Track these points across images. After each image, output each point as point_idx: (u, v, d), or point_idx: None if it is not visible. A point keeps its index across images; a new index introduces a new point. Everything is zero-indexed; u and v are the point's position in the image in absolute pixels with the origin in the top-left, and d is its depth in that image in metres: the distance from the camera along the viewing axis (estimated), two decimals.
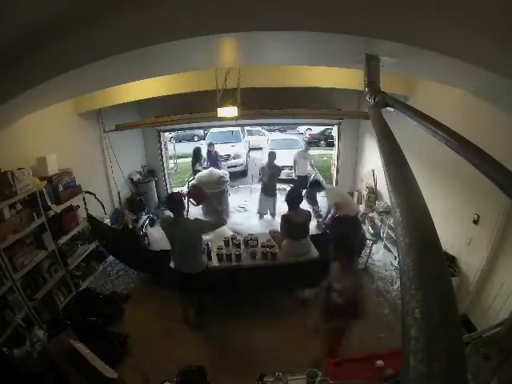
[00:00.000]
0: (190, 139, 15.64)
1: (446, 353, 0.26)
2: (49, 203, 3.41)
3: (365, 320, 3.22)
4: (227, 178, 6.15)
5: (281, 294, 3.73)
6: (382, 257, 4.72)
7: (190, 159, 12.21)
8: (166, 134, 7.71)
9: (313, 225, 5.84)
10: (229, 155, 9.80)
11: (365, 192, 5.96)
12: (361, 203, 6.20)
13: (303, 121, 8.45)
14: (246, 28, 1.58)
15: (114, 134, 5.31)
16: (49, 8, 1.53)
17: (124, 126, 5.18)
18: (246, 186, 8.72)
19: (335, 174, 7.33)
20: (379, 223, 5.12)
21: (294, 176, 7.04)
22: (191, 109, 5.43)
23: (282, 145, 10.85)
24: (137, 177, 6.48)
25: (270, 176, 5.97)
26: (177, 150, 11.82)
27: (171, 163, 9.63)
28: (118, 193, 5.62)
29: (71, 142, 4.40)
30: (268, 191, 6.03)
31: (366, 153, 6.52)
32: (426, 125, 0.84)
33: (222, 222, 3.13)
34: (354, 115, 5.93)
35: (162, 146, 7.25)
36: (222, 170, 6.46)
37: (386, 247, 4.86)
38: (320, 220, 5.62)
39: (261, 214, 6.21)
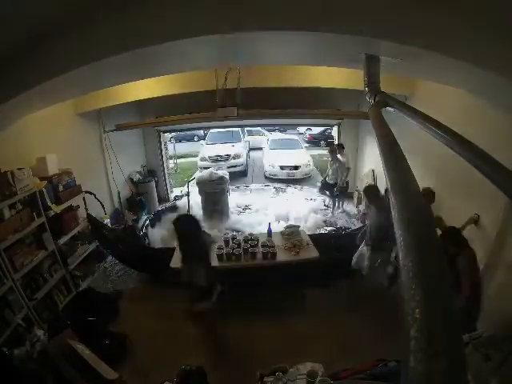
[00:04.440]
0: (190, 139, 15.66)
1: (446, 353, 0.26)
2: (49, 203, 3.41)
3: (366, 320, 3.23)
4: (227, 178, 6.15)
5: (281, 294, 3.73)
6: None
7: (189, 159, 12.29)
8: (166, 134, 7.71)
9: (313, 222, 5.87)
10: (229, 155, 9.80)
11: None
12: (361, 203, 6.20)
13: (303, 121, 8.45)
14: (246, 28, 1.58)
15: (114, 133, 5.31)
16: (49, 8, 1.54)
17: (124, 126, 5.19)
18: (245, 185, 8.70)
19: None
20: None
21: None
22: (191, 109, 5.43)
23: (282, 145, 10.87)
24: (137, 177, 6.47)
25: None
26: (177, 150, 11.83)
27: (171, 163, 9.64)
28: (118, 193, 5.62)
29: (71, 142, 4.39)
30: None
31: (366, 153, 6.51)
32: (425, 125, 0.84)
33: None
34: (353, 115, 5.93)
35: (162, 145, 7.25)
36: (222, 171, 6.46)
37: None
38: None
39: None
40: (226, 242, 3.74)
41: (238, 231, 5.56)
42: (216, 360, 2.94)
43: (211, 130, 11.86)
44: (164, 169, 7.38)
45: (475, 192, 2.99)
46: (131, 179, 6.30)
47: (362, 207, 6.04)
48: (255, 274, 3.56)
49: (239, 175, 9.67)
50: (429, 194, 3.26)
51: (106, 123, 5.11)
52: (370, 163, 6.11)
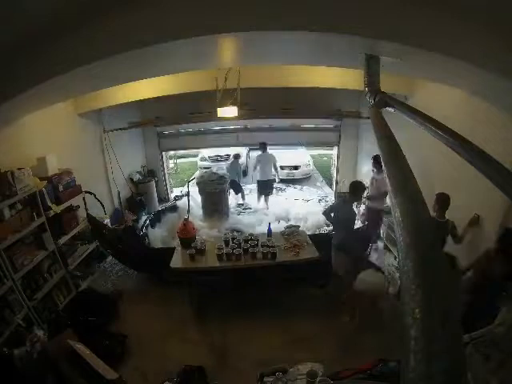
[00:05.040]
0: None
1: (446, 353, 0.26)
2: (49, 203, 3.41)
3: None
4: (227, 177, 6.15)
5: (281, 294, 3.74)
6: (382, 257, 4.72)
7: (189, 159, 12.27)
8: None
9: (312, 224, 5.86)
10: (229, 155, 9.78)
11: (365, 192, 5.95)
12: (361, 203, 6.19)
13: (303, 121, 8.40)
14: (246, 28, 1.58)
15: (114, 133, 5.32)
16: (49, 8, 1.54)
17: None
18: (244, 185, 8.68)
19: (335, 174, 7.32)
20: None
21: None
22: (191, 109, 5.44)
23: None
24: (137, 177, 6.48)
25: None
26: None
27: (171, 163, 9.62)
28: (118, 193, 5.62)
29: (71, 142, 4.39)
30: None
31: (365, 152, 6.51)
32: (425, 125, 0.84)
33: None
34: (353, 115, 5.93)
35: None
36: (222, 171, 6.46)
37: (386, 247, 4.86)
38: None
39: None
40: (226, 242, 3.74)
41: (238, 231, 5.56)
42: (216, 360, 2.94)
43: None
44: (164, 169, 7.38)
45: (475, 192, 2.99)
46: (131, 179, 6.31)
47: (361, 208, 6.04)
48: (255, 273, 3.56)
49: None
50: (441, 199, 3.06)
51: (106, 123, 5.11)
52: (370, 163, 6.10)
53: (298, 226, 4.24)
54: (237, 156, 7.13)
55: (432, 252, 0.37)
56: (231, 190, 6.79)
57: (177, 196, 7.38)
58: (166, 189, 7.55)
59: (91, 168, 4.86)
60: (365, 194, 4.92)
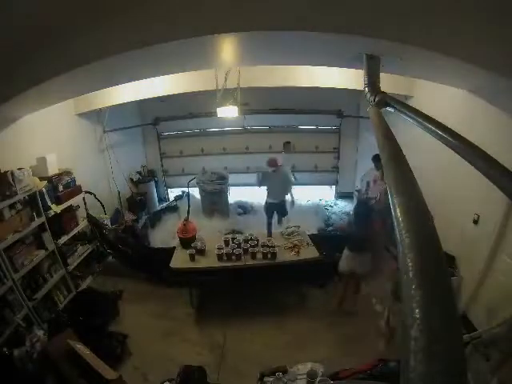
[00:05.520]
0: None
1: (446, 353, 0.26)
2: (49, 203, 3.41)
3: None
4: (227, 177, 6.15)
5: (281, 294, 3.74)
6: None
7: None
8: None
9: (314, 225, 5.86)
10: None
11: None
12: None
13: (303, 121, 8.39)
14: (246, 28, 1.58)
15: (114, 133, 5.32)
16: (49, 8, 1.54)
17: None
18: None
19: (335, 174, 7.31)
20: None
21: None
22: (191, 109, 5.43)
23: None
24: (137, 177, 6.48)
25: None
26: None
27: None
28: (118, 193, 5.62)
29: (71, 142, 4.39)
30: None
31: (365, 152, 6.50)
32: (425, 125, 0.84)
33: None
34: (353, 115, 5.92)
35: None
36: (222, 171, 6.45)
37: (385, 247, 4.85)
38: None
39: None
40: (226, 242, 3.74)
41: (238, 231, 5.56)
42: (216, 360, 2.94)
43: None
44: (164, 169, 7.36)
45: (475, 192, 2.99)
46: (131, 179, 6.30)
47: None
48: (255, 274, 3.56)
49: None
50: None
51: (106, 123, 5.11)
52: (370, 163, 6.10)
53: (298, 226, 4.24)
54: (273, 163, 4.57)
55: (432, 252, 0.37)
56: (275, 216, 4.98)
57: (177, 196, 7.37)
58: (166, 189, 7.54)
59: (91, 168, 4.85)
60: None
